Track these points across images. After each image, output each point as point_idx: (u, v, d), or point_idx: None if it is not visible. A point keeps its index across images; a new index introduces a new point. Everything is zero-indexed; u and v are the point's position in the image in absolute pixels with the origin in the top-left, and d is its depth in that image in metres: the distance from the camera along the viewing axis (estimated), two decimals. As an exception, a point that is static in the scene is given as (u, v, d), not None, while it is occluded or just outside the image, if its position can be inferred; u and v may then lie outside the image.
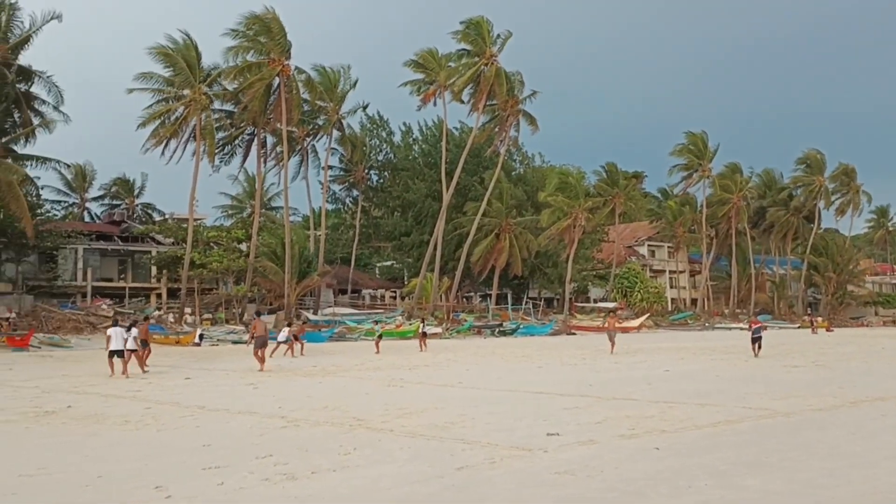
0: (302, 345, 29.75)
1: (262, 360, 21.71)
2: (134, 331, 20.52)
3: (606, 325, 31.62)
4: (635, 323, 57.12)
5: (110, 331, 20.16)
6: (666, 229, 76.29)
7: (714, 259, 78.86)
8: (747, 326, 34.16)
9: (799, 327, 63.72)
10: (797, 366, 22.03)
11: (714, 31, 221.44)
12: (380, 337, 32.68)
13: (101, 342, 36.80)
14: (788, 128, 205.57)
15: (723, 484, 7.10)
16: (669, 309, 73.72)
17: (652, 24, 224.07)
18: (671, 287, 78.93)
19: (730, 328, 61.93)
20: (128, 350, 19.77)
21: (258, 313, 28.45)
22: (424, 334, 33.94)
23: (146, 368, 20.77)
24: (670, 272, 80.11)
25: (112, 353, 19.54)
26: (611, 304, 65.47)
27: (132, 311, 43.66)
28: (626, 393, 14.99)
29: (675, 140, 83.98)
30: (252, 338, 37.63)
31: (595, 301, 69.97)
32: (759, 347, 25.38)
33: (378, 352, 30.25)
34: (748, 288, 76.53)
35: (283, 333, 29.26)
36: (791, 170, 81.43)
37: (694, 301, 78.97)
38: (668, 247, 79.91)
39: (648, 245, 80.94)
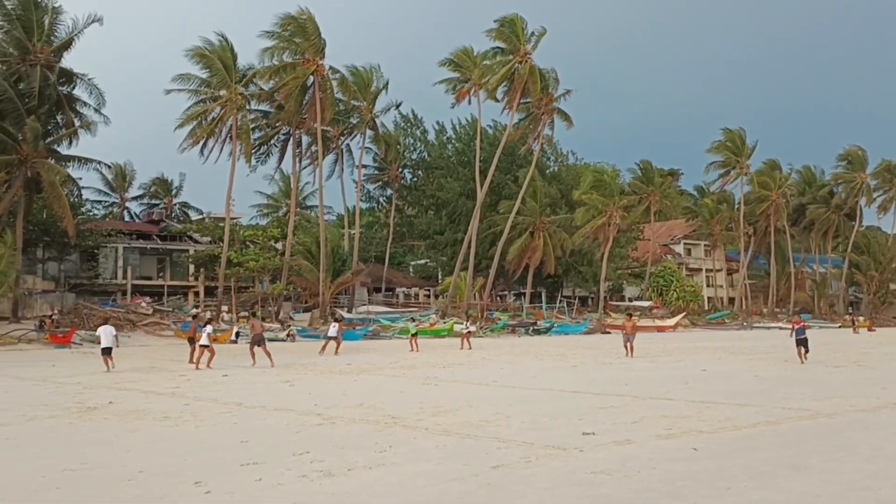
0: (338, 342, 30.15)
1: (253, 355, 23.18)
2: (209, 327, 22.97)
3: (623, 326, 29.01)
4: (671, 322, 56.83)
5: (100, 329, 21.94)
6: (702, 227, 75.30)
7: (752, 257, 77.64)
8: (788, 325, 32.12)
9: (840, 327, 62.53)
10: (839, 366, 21.63)
11: (751, 24, 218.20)
12: (415, 335, 32.71)
13: (141, 339, 37.82)
14: (829, 124, 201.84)
15: (763, 485, 6.99)
16: (706, 308, 72.95)
17: (688, 16, 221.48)
18: (708, 286, 77.97)
19: (769, 327, 61.02)
20: (200, 346, 22.13)
21: (254, 313, 29.19)
22: (469, 332, 34.42)
23: (199, 365, 22.20)
24: (707, 270, 79.15)
25: (104, 350, 21.18)
26: (646, 303, 65.14)
27: (170, 309, 44.41)
28: (662, 392, 14.84)
29: (712, 137, 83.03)
30: (290, 336, 38.34)
31: (630, 300, 69.40)
32: (807, 351, 22.40)
33: (416, 349, 30.47)
34: (787, 287, 75.29)
35: (333, 328, 29.65)
36: (832, 166, 79.68)
37: (731, 300, 77.93)
38: (705, 245, 78.84)
39: (684, 243, 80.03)
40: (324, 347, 28.53)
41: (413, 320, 45.57)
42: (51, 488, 7.17)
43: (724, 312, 70.42)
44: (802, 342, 22.45)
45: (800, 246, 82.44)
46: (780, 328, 54.12)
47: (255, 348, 23.60)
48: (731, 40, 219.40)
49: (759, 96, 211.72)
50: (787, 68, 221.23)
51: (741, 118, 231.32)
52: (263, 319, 46.76)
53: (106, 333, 21.47)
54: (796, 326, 23.37)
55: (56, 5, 42.91)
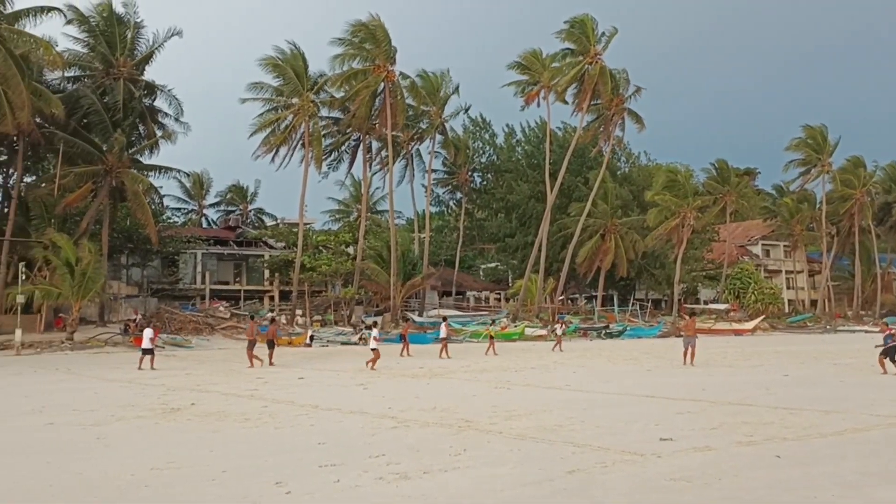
0: (406, 345, 30.45)
1: (251, 357, 24.00)
2: (374, 331, 24.98)
3: (684, 328, 26.78)
4: (750, 325, 55.17)
5: (145, 332, 23.94)
6: (782, 228, 72.80)
7: (835, 258, 74.85)
8: (875, 329, 29.27)
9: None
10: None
11: (832, 17, 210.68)
12: (492, 338, 32.64)
13: (220, 343, 38.91)
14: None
15: (852, 495, 6.75)
16: (786, 311, 70.66)
17: (765, 9, 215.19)
18: (788, 288, 75.42)
19: (853, 331, 58.67)
20: (371, 349, 23.70)
21: (251, 316, 29.84)
22: (559, 335, 35.39)
23: (272, 363, 24.21)
24: (787, 272, 76.63)
25: (144, 351, 23.21)
26: (722, 306, 63.52)
27: (247, 313, 45.57)
28: (741, 398, 14.45)
29: (791, 134, 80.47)
30: (361, 340, 38.90)
31: (705, 302, 67.77)
32: (894, 362, 20.06)
33: (495, 352, 30.36)
34: (873, 288, 72.16)
35: (443, 329, 30.18)
36: (921, 163, 76.24)
37: (813, 302, 75.19)
38: (785, 246, 76.42)
39: (762, 244, 77.78)
40: (443, 349, 28.62)
41: (493, 322, 45.44)
42: (140, 486, 7.46)
43: (805, 315, 68.01)
44: (890, 352, 20.18)
45: (886, 246, 78.94)
46: (867, 332, 51.96)
47: (268, 350, 25.07)
48: (813, 34, 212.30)
49: (842, 91, 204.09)
50: (871, 61, 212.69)
51: (822, 114, 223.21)
52: (336, 323, 47.88)
53: (146, 336, 23.47)
54: (885, 333, 21.12)
55: (138, 20, 44.69)
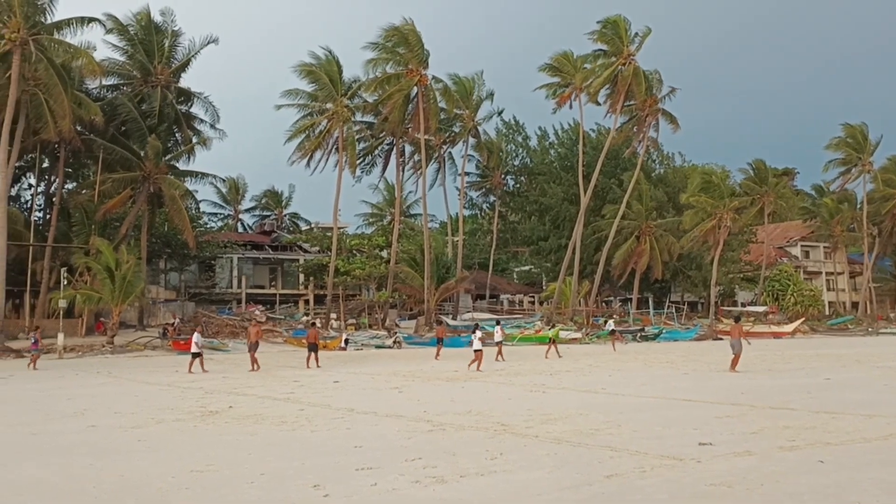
0: (439, 348, 30.48)
1: (254, 360, 24.41)
2: (478, 332, 25.68)
3: (731, 332, 26.18)
4: (789, 328, 54.45)
5: (194, 336, 24.58)
6: (821, 228, 71.62)
7: (876, 259, 73.31)
8: None
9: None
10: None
11: (872, 15, 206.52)
12: (553, 341, 31.75)
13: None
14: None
15: (899, 502, 6.61)
16: (827, 313, 69.43)
17: (803, 7, 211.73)
18: (828, 290, 74.15)
19: (896, 333, 57.49)
20: (474, 350, 24.33)
21: (248, 320, 30.05)
22: (613, 332, 36.93)
23: (318, 365, 25.20)
24: (827, 274, 75.29)
25: (193, 355, 23.83)
26: (761, 308, 62.66)
27: (282, 317, 46.03)
28: (782, 402, 14.22)
29: (831, 133, 78.81)
30: (396, 343, 39.15)
31: (743, 305, 66.87)
32: None
33: (559, 354, 30.28)
34: (917, 290, 70.78)
35: (498, 334, 29.89)
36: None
37: (854, 304, 73.77)
38: (825, 247, 75.08)
39: (802, 246, 76.57)
40: (499, 353, 28.28)
41: (553, 325, 44.79)
42: (181, 488, 7.56)
43: (846, 318, 66.73)
44: None
45: (930, 246, 77.26)
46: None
47: (310, 354, 25.62)
48: (850, 30, 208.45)
49: (883, 88, 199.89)
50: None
51: (863, 113, 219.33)
52: (370, 326, 48.17)
53: (194, 340, 24.34)
54: None
55: (175, 28, 45.45)
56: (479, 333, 26.30)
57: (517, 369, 24.59)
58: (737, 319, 27.61)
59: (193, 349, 23.83)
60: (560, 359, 29.14)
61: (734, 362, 22.51)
